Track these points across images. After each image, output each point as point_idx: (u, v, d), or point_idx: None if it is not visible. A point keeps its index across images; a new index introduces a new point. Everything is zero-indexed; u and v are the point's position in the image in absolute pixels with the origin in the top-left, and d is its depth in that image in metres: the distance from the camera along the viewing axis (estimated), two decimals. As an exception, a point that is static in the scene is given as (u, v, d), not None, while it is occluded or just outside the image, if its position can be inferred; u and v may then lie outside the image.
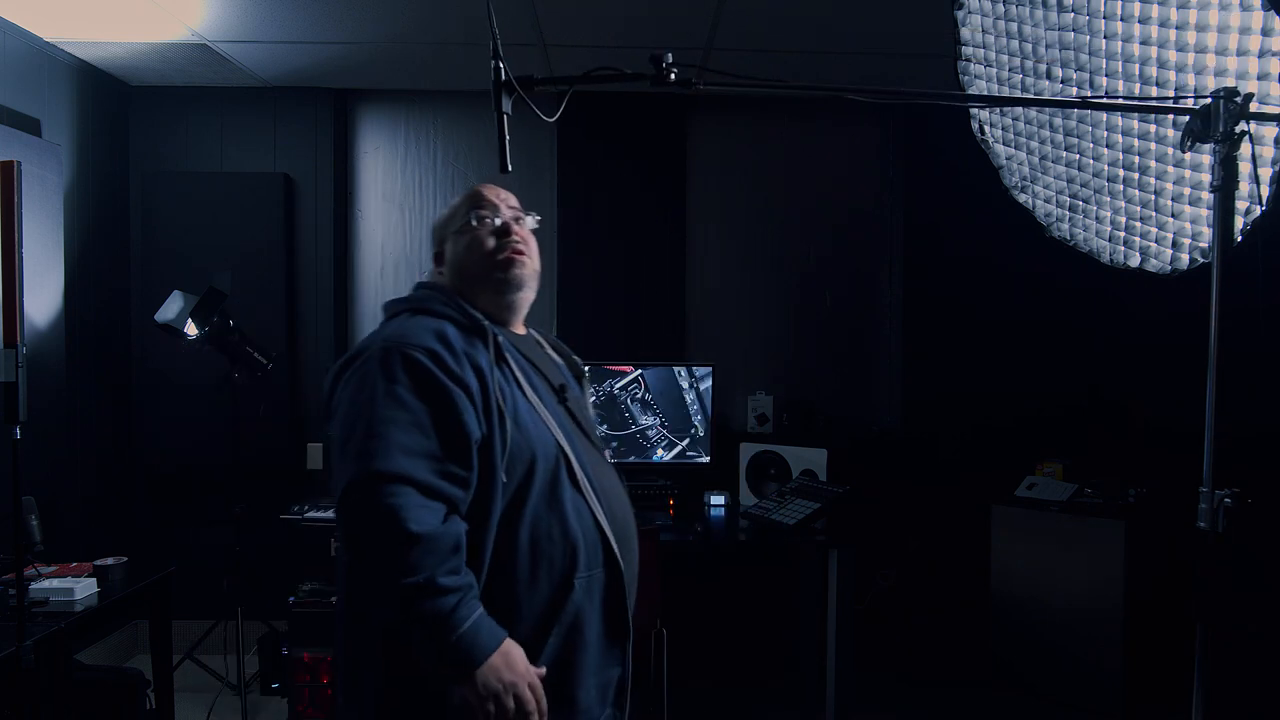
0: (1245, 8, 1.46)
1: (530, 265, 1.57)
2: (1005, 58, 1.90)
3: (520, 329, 1.60)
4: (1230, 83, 1.48)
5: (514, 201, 1.59)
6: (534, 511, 1.35)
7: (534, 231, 1.61)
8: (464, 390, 1.32)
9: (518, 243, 1.54)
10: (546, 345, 1.69)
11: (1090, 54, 1.73)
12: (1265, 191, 1.49)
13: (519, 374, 1.44)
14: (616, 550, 1.42)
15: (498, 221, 1.53)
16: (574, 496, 1.40)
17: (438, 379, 1.30)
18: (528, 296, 1.59)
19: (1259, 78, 1.49)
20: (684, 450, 3.52)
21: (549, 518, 1.36)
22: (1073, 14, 1.72)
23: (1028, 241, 2.28)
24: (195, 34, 3.23)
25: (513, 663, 1.26)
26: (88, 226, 3.57)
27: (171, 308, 3.10)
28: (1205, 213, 1.68)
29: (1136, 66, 1.66)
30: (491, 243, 1.52)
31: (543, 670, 1.31)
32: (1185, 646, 1.50)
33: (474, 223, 1.52)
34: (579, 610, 1.37)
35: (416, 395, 1.29)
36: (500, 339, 1.44)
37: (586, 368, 1.76)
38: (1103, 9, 1.66)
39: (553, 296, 4.05)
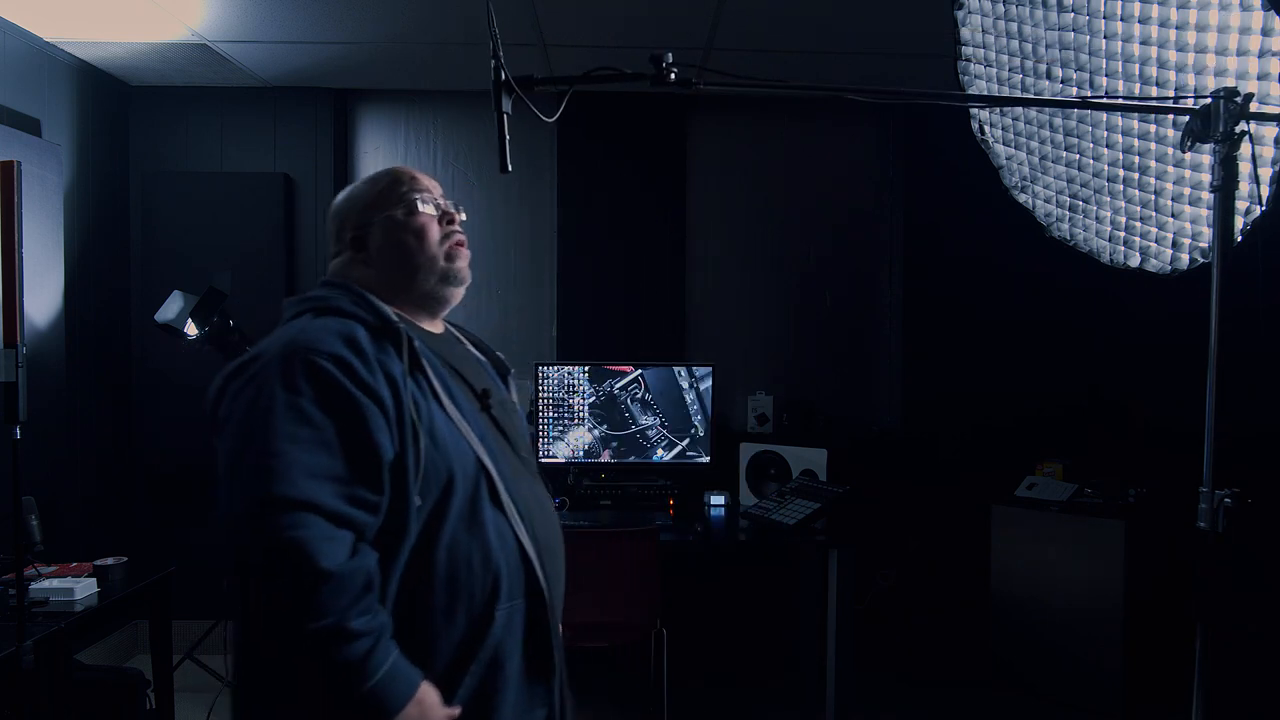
0: (1245, 8, 1.46)
1: (468, 260, 1.44)
2: (1005, 58, 1.90)
3: (439, 327, 1.46)
4: (1230, 83, 1.48)
5: (440, 189, 1.47)
6: (451, 537, 1.21)
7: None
8: (376, 403, 1.18)
9: (462, 233, 1.42)
10: (468, 343, 1.54)
11: (1090, 54, 1.73)
12: (1265, 191, 1.49)
13: (435, 382, 1.29)
14: (541, 578, 1.30)
15: (439, 207, 1.41)
16: (495, 517, 1.27)
17: (347, 390, 1.16)
18: (461, 292, 1.45)
19: (1259, 78, 1.49)
20: (684, 450, 3.52)
21: (469, 543, 1.23)
22: (1073, 14, 1.72)
23: (1028, 241, 2.28)
24: (195, 34, 3.23)
25: (427, 711, 1.16)
26: (88, 226, 3.57)
27: (171, 308, 3.10)
28: (1205, 213, 1.68)
29: (1136, 66, 1.66)
30: (437, 230, 1.39)
31: (457, 710, 1.21)
32: (1185, 646, 1.50)
33: (420, 207, 1.38)
34: (499, 645, 1.24)
35: (322, 409, 1.15)
36: (416, 343, 1.29)
37: (513, 369, 1.62)
38: (1103, 9, 1.66)
39: (553, 296, 4.05)
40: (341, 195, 1.46)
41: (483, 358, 1.54)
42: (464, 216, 1.46)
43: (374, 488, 1.17)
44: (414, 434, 1.21)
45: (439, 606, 1.21)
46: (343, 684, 1.11)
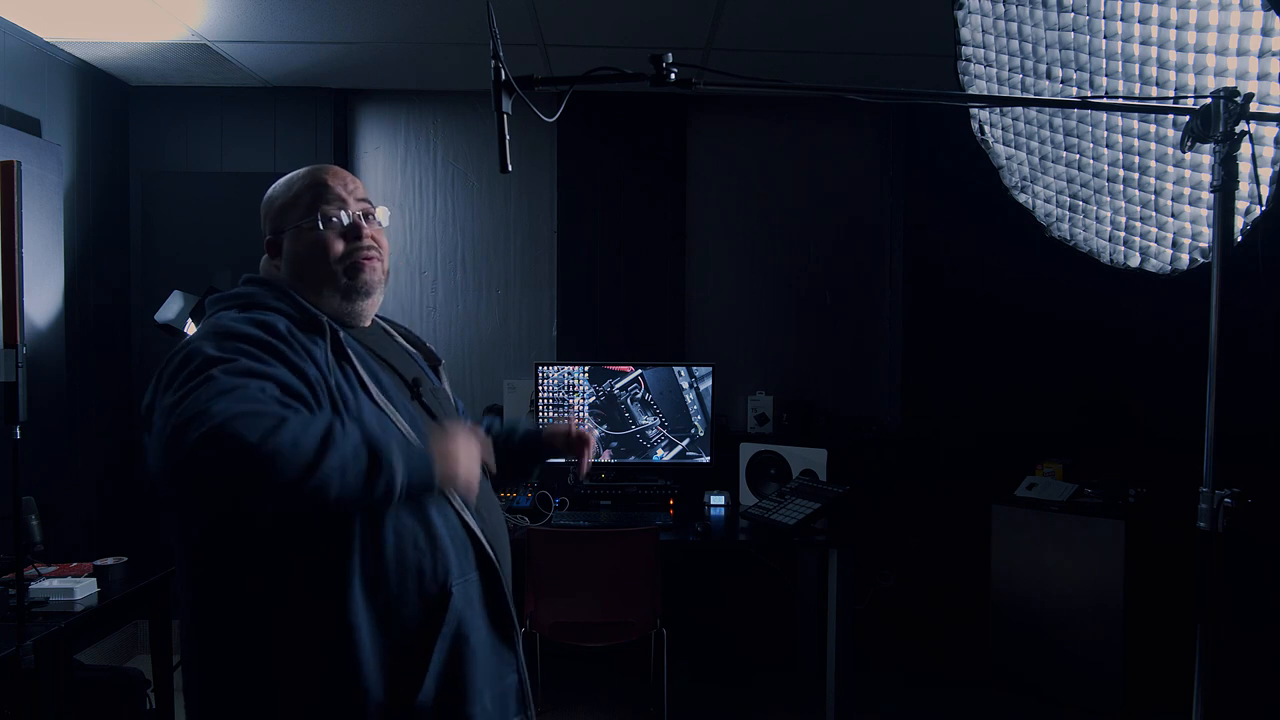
0: (1245, 8, 1.45)
1: (380, 270, 1.42)
2: (1005, 58, 1.90)
3: (366, 322, 1.46)
4: (1230, 83, 1.48)
5: (362, 192, 1.43)
6: (396, 521, 1.24)
7: (382, 225, 1.46)
8: (303, 380, 1.20)
9: (369, 247, 1.39)
10: (397, 335, 1.54)
11: (1090, 54, 1.73)
12: (1265, 191, 1.49)
13: (363, 373, 1.31)
14: (490, 551, 1.34)
15: (345, 220, 1.38)
16: (436, 499, 1.29)
17: (273, 367, 1.17)
18: (376, 301, 1.44)
19: (1259, 78, 1.49)
20: (684, 450, 3.52)
21: (414, 525, 1.25)
22: (1073, 14, 1.72)
23: (1028, 241, 2.29)
24: (195, 34, 3.23)
25: (450, 432, 1.24)
26: (88, 226, 3.57)
27: (171, 308, 3.10)
28: (1205, 213, 1.68)
29: (1136, 66, 1.66)
30: (340, 246, 1.37)
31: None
32: (1185, 646, 1.50)
33: (320, 225, 1.36)
34: (461, 618, 1.27)
35: (248, 371, 1.14)
36: (341, 335, 1.31)
37: (444, 360, 1.63)
38: (1103, 9, 1.66)
39: (553, 296, 4.05)
40: (270, 189, 1.44)
41: (413, 350, 1.55)
42: (384, 220, 1.45)
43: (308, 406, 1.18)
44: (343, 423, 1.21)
45: (394, 587, 1.23)
46: (366, 482, 1.10)
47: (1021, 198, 2.07)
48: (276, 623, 1.20)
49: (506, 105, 1.35)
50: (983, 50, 1.93)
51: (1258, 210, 1.49)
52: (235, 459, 1.02)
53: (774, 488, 3.38)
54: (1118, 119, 1.78)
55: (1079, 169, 1.91)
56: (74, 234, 3.45)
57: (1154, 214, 1.79)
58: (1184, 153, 1.51)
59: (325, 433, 1.08)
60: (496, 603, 1.35)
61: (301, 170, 1.43)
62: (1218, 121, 1.38)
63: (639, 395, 3.52)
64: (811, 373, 4.11)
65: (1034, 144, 1.98)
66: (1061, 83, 1.82)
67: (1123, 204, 1.85)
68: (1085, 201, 1.94)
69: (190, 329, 3.08)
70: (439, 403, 1.46)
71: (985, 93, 1.97)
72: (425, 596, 1.25)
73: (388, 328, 1.54)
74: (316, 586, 1.20)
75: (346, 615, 1.19)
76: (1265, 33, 1.46)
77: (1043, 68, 1.83)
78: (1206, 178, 1.61)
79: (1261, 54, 1.47)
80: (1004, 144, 2.04)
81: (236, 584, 1.21)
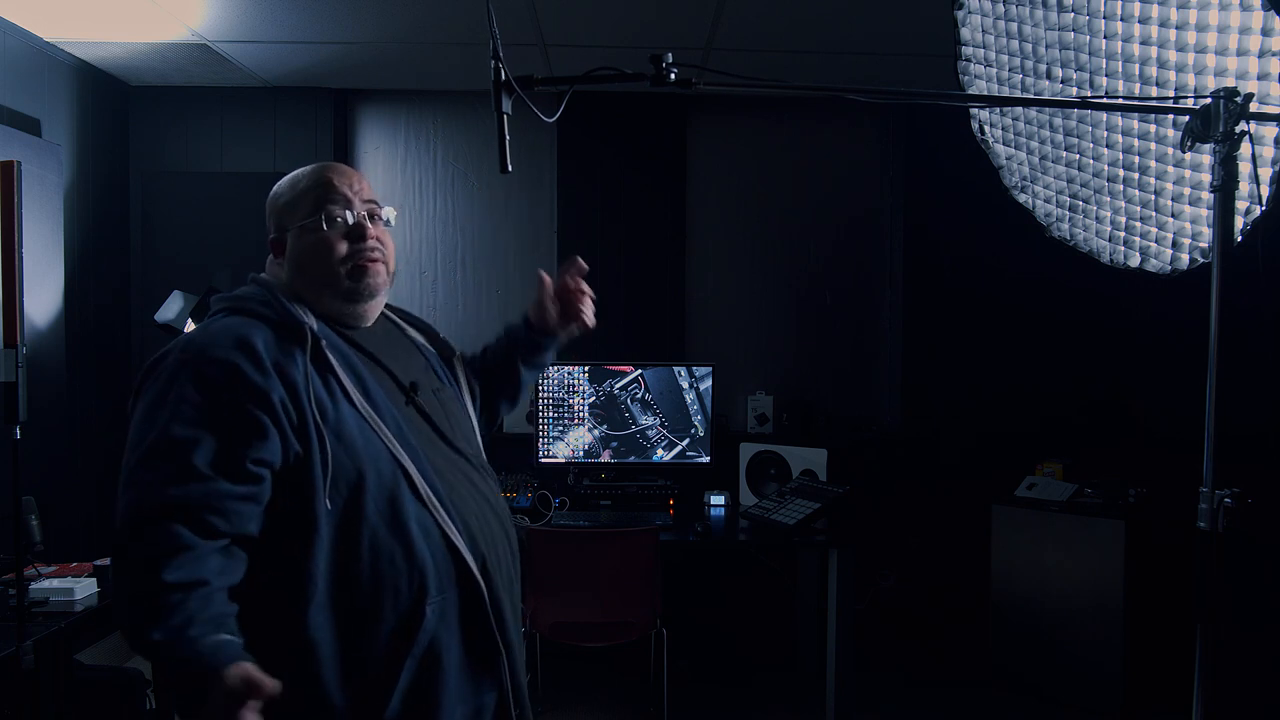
0: (1245, 8, 1.45)
1: (384, 273, 1.39)
2: (1005, 58, 1.90)
3: (369, 322, 1.44)
4: (1230, 83, 1.48)
5: (369, 192, 1.40)
6: (372, 535, 1.23)
7: (389, 225, 1.44)
8: (265, 409, 1.19)
9: (372, 249, 1.36)
10: (408, 328, 1.52)
11: (1090, 54, 1.73)
12: (1265, 191, 1.49)
13: (346, 381, 1.29)
14: (473, 568, 1.30)
15: (350, 220, 1.35)
16: (419, 512, 1.27)
17: (234, 399, 1.18)
18: (380, 302, 1.42)
19: (1259, 78, 1.49)
20: (684, 450, 3.53)
21: (391, 541, 1.23)
22: (1073, 14, 1.72)
23: (1028, 241, 2.28)
24: (195, 34, 3.23)
25: (251, 673, 1.09)
26: (88, 226, 3.57)
27: (171, 308, 3.10)
28: (1205, 213, 1.68)
29: (1136, 66, 1.66)
30: (343, 247, 1.35)
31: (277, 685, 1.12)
32: (1185, 646, 1.50)
33: (324, 225, 1.34)
34: (433, 638, 1.25)
35: (207, 418, 1.17)
36: (324, 342, 1.29)
37: (458, 350, 1.61)
38: (1103, 9, 1.66)
39: (553, 296, 4.04)
40: (276, 186, 1.43)
41: (422, 341, 1.53)
42: (389, 219, 1.43)
43: (252, 489, 1.18)
44: (319, 436, 1.21)
45: (366, 603, 1.22)
46: (175, 665, 1.11)
47: (1021, 198, 2.07)
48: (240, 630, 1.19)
49: (506, 105, 1.35)
50: (983, 50, 1.93)
51: (1258, 210, 1.49)
52: (142, 589, 1.12)
53: (774, 488, 3.38)
54: (1118, 119, 1.78)
55: (1079, 169, 1.91)
56: (74, 234, 3.45)
57: (1154, 214, 1.79)
58: (1184, 153, 1.51)
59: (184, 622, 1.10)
60: (477, 619, 1.31)
61: (308, 168, 1.41)
62: (1218, 121, 1.38)
63: (639, 395, 3.52)
64: (811, 373, 4.11)
65: (1034, 144, 1.98)
66: (1061, 83, 1.82)
67: (1123, 204, 1.85)
68: (1085, 201, 1.94)
69: (190, 329, 3.08)
70: (441, 403, 1.45)
71: (985, 93, 1.97)
72: (399, 614, 1.24)
73: (398, 321, 1.52)
74: (274, 601, 1.19)
75: (305, 630, 1.19)
76: (1265, 33, 1.46)
77: (1043, 68, 1.83)
78: (1206, 178, 1.61)
79: (1261, 54, 1.47)
80: (1004, 144, 2.04)
81: None
